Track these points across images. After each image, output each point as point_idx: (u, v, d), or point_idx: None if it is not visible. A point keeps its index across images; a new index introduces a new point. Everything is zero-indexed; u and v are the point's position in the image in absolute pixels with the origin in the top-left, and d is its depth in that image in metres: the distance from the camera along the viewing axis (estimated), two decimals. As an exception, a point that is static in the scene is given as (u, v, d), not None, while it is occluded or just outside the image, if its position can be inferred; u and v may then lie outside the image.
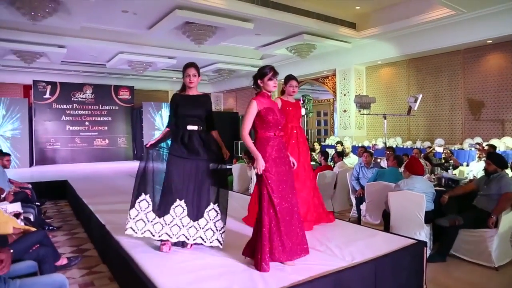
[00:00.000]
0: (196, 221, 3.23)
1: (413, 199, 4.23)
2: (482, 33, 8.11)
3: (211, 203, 3.28)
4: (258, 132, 3.02)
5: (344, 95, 11.63)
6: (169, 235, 3.18)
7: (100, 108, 14.21)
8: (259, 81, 3.06)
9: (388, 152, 6.94)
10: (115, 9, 7.99)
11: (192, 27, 8.43)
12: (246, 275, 2.75)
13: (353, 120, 11.49)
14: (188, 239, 3.22)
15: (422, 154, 7.63)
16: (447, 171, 6.42)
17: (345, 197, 6.72)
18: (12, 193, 5.04)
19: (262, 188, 2.89)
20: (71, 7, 7.37)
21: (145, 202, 3.22)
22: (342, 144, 9.98)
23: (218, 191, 3.32)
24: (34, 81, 12.98)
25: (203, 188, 3.27)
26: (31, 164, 12.32)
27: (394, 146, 9.33)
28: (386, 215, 4.57)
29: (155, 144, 3.32)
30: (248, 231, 3.83)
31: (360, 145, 9.95)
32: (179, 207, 3.19)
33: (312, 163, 7.98)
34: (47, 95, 13.17)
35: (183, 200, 3.20)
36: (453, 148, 8.38)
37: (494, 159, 4.33)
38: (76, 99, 13.74)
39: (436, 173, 6.35)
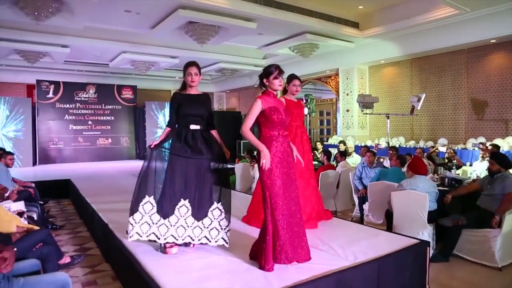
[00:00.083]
0: (201, 221, 3.22)
1: (416, 198, 4.22)
2: (486, 33, 8.07)
3: (215, 202, 3.28)
4: (262, 130, 3.01)
5: (347, 94, 11.61)
6: (175, 237, 3.15)
7: (103, 107, 14.24)
8: (264, 80, 3.05)
9: (391, 152, 6.92)
10: (118, 9, 8.01)
11: (195, 26, 8.43)
12: (249, 275, 2.75)
13: (356, 120, 11.47)
14: (193, 240, 3.20)
15: (425, 153, 7.61)
16: (450, 171, 6.39)
17: (348, 196, 6.71)
18: (15, 192, 5.06)
19: (266, 191, 2.88)
20: (74, 7, 7.39)
21: (149, 204, 3.17)
22: (345, 144, 9.95)
23: (220, 190, 3.32)
24: (37, 80, 13.02)
25: (206, 187, 3.26)
26: (34, 163, 12.36)
27: (397, 145, 9.30)
28: (389, 215, 4.56)
29: (159, 145, 3.29)
30: (251, 230, 3.85)
31: (363, 144, 9.91)
32: (183, 207, 3.18)
33: (315, 162, 8.01)
34: (51, 95, 13.20)
35: (187, 200, 3.19)
36: (456, 148, 8.35)
37: (497, 159, 4.31)
38: (79, 99, 13.78)
39: (439, 172, 6.33)
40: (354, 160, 8.80)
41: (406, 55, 10.05)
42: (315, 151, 9.72)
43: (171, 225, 3.15)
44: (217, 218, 3.26)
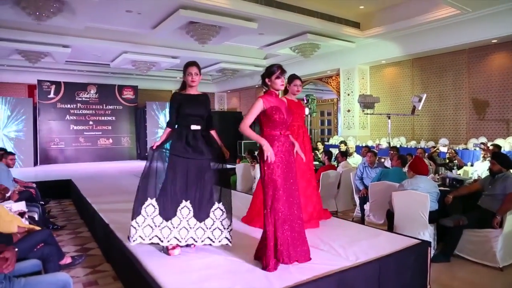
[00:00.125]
0: (203, 222, 3.20)
1: (417, 199, 4.21)
2: (487, 33, 8.06)
3: (216, 203, 3.27)
4: (264, 130, 3.01)
5: (348, 94, 11.61)
6: (178, 239, 3.13)
7: (104, 107, 14.25)
8: (266, 80, 3.05)
9: (392, 152, 6.92)
10: (119, 9, 8.02)
11: (196, 26, 8.44)
12: (250, 275, 2.75)
13: (357, 120, 11.46)
14: (196, 241, 3.19)
15: (426, 154, 7.60)
16: (451, 171, 6.38)
17: (349, 196, 6.71)
18: (17, 192, 5.06)
19: (266, 190, 2.88)
20: (75, 7, 7.40)
21: (151, 206, 3.12)
22: (345, 144, 9.95)
23: (221, 190, 3.31)
24: (38, 80, 13.04)
25: (207, 188, 3.24)
26: (35, 164, 12.36)
27: (398, 146, 9.29)
28: (390, 215, 4.56)
29: (160, 146, 3.26)
30: (252, 230, 3.85)
31: (364, 144, 9.90)
32: (185, 209, 3.16)
33: (316, 162, 8.01)
34: (52, 95, 13.22)
35: (188, 201, 3.17)
36: (457, 148, 8.34)
37: (499, 159, 4.31)
38: (80, 99, 13.79)
39: (440, 173, 6.33)
40: (355, 160, 8.80)
41: (407, 55, 10.04)
42: (316, 151, 9.72)
43: (174, 227, 3.13)
44: (219, 218, 3.25)
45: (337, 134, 12.58)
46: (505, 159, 4.31)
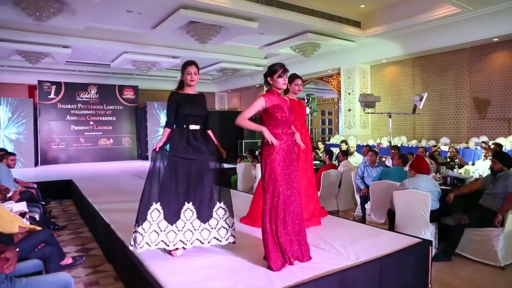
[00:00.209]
0: (207, 223, 3.19)
1: (418, 198, 4.20)
2: (488, 31, 8.05)
3: (217, 202, 3.26)
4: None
5: (349, 94, 11.60)
6: (183, 242, 3.10)
7: (105, 108, 14.25)
8: (268, 79, 3.05)
9: (393, 151, 6.92)
10: (119, 9, 8.02)
11: (196, 26, 8.44)
12: (251, 274, 2.75)
13: (357, 119, 11.45)
14: (203, 243, 3.16)
15: (428, 153, 7.59)
16: (452, 170, 6.38)
17: (350, 196, 6.70)
18: (18, 192, 5.06)
19: (267, 189, 2.88)
20: (75, 7, 7.40)
21: (156, 211, 3.05)
22: (346, 143, 9.95)
23: (220, 190, 3.29)
24: (39, 81, 13.05)
25: (207, 188, 3.22)
26: (36, 164, 12.37)
27: (399, 145, 9.29)
28: (391, 214, 4.55)
29: (162, 147, 3.20)
30: (253, 230, 3.84)
31: (364, 144, 9.91)
32: (188, 211, 3.14)
33: (317, 162, 8.00)
34: (52, 95, 13.22)
35: (191, 203, 3.15)
36: (458, 147, 8.33)
37: (500, 157, 4.30)
38: (81, 99, 13.80)
39: (441, 172, 6.32)
40: (356, 159, 8.79)
41: (408, 54, 10.02)
42: (317, 150, 9.73)
43: (179, 230, 3.09)
44: (222, 218, 3.25)
45: (338, 134, 12.58)
46: (506, 158, 4.30)
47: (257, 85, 15.11)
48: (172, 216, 3.09)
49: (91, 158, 13.72)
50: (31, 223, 3.87)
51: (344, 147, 9.46)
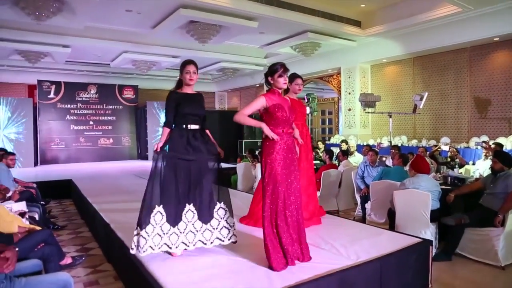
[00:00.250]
0: (208, 223, 3.18)
1: (418, 197, 4.20)
2: (489, 31, 8.03)
3: (217, 202, 3.25)
4: None
5: (349, 93, 11.59)
6: (186, 244, 3.08)
7: (104, 107, 14.24)
8: (269, 78, 3.04)
9: (393, 151, 6.91)
10: (119, 9, 8.01)
11: (196, 26, 8.42)
12: (252, 274, 2.74)
13: (358, 119, 11.44)
14: (206, 244, 3.15)
15: (428, 152, 7.59)
16: (453, 170, 6.37)
17: (350, 195, 6.69)
18: (18, 192, 5.05)
19: (267, 188, 2.87)
20: (75, 7, 7.39)
21: (159, 214, 3.00)
22: (347, 143, 9.95)
23: (219, 189, 3.28)
24: (38, 81, 13.03)
25: (208, 189, 3.20)
26: (35, 164, 12.35)
27: (400, 144, 9.28)
28: (391, 214, 4.54)
29: (163, 147, 3.16)
30: (253, 230, 3.83)
31: (365, 143, 9.90)
32: (189, 212, 3.12)
33: (317, 161, 8.00)
34: (52, 95, 13.21)
35: (191, 204, 3.13)
36: (459, 147, 8.32)
37: (500, 157, 4.29)
38: (81, 99, 13.78)
39: (442, 171, 6.31)
40: (356, 159, 8.79)
41: (408, 54, 10.01)
42: (317, 150, 9.73)
43: (181, 232, 3.07)
44: (223, 218, 3.24)
45: (338, 133, 12.57)
46: (507, 158, 4.30)
47: (257, 85, 15.10)
48: (174, 218, 3.06)
49: (90, 158, 13.70)
50: (30, 223, 3.86)
51: (344, 146, 9.46)
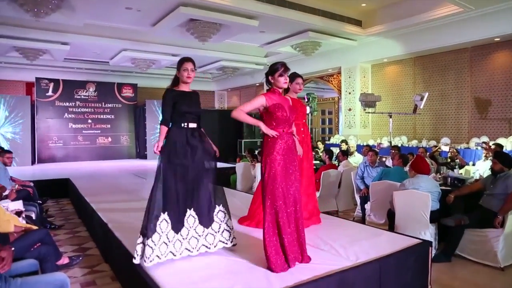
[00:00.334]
0: (210, 227, 3.14)
1: (418, 198, 4.18)
2: (490, 31, 8.02)
3: (216, 206, 3.21)
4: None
5: (349, 93, 11.57)
6: (189, 250, 3.03)
7: (103, 105, 14.17)
8: (270, 77, 3.01)
9: (393, 151, 6.90)
10: (118, 6, 7.97)
11: (196, 24, 8.39)
12: (250, 275, 2.72)
13: (358, 119, 11.42)
14: (209, 248, 3.11)
15: (428, 153, 7.57)
16: (453, 170, 6.36)
17: (350, 196, 6.68)
18: (14, 191, 5.02)
19: (266, 188, 2.85)
20: (74, 4, 7.37)
21: (164, 222, 2.91)
22: (347, 143, 9.93)
23: (215, 191, 3.22)
24: (36, 78, 12.96)
25: (206, 192, 3.15)
26: (33, 162, 12.28)
27: (400, 145, 9.26)
28: (391, 215, 4.53)
29: (163, 147, 3.08)
30: (252, 230, 3.81)
31: (365, 144, 9.88)
32: (190, 217, 3.07)
33: (317, 161, 7.98)
34: (50, 93, 13.14)
35: (192, 209, 3.08)
36: (459, 147, 8.31)
37: (500, 158, 4.29)
38: (79, 97, 13.71)
39: (442, 172, 6.29)
40: (356, 159, 8.77)
41: (409, 54, 9.99)
42: (317, 149, 9.71)
43: (184, 238, 3.01)
44: (223, 220, 3.21)
45: (338, 133, 12.56)
46: (507, 158, 4.29)
47: (257, 84, 15.07)
48: (177, 225, 2.99)
49: (89, 156, 13.64)
50: (27, 222, 3.83)
51: (344, 147, 9.44)
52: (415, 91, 9.87)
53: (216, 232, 3.16)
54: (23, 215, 4.00)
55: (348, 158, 7.59)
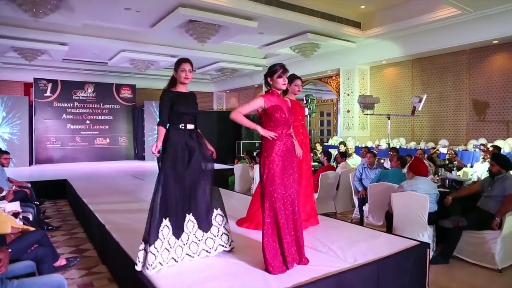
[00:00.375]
0: (209, 231, 3.14)
1: (416, 200, 4.19)
2: (488, 33, 8.03)
3: (214, 209, 3.20)
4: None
5: (348, 95, 11.57)
6: (190, 255, 3.02)
7: (101, 106, 14.12)
8: (268, 79, 3.02)
9: (391, 153, 6.88)
10: (117, 7, 7.96)
11: (195, 25, 8.39)
12: (249, 276, 2.72)
13: (356, 121, 11.43)
14: (210, 252, 3.11)
15: (426, 155, 7.58)
16: (451, 172, 6.36)
17: (348, 198, 6.67)
18: (12, 192, 5.00)
19: (265, 190, 2.84)
20: (73, 4, 7.35)
21: (166, 228, 2.88)
22: (345, 145, 9.93)
23: (212, 194, 3.19)
24: (35, 78, 12.91)
25: (203, 196, 3.13)
26: (30, 163, 12.23)
27: (398, 146, 9.27)
28: (389, 216, 4.53)
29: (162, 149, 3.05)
30: (251, 232, 3.81)
31: (363, 145, 9.88)
32: (190, 222, 3.05)
33: (315, 163, 7.98)
34: (48, 93, 13.09)
35: (191, 214, 3.07)
36: (457, 149, 8.31)
37: (498, 160, 4.29)
38: (77, 98, 13.66)
39: (440, 174, 6.30)
40: (355, 161, 8.77)
41: (407, 56, 10.01)
42: (315, 151, 9.71)
43: (184, 244, 3.00)
44: (221, 224, 3.21)
45: (337, 135, 12.55)
46: (505, 160, 4.30)
47: (256, 85, 15.07)
48: (177, 230, 2.97)
49: (87, 157, 13.58)
50: (24, 224, 3.82)
51: (342, 148, 9.44)
52: (413, 93, 9.88)
53: (215, 236, 3.16)
54: (20, 216, 3.99)
55: (347, 160, 7.59)
